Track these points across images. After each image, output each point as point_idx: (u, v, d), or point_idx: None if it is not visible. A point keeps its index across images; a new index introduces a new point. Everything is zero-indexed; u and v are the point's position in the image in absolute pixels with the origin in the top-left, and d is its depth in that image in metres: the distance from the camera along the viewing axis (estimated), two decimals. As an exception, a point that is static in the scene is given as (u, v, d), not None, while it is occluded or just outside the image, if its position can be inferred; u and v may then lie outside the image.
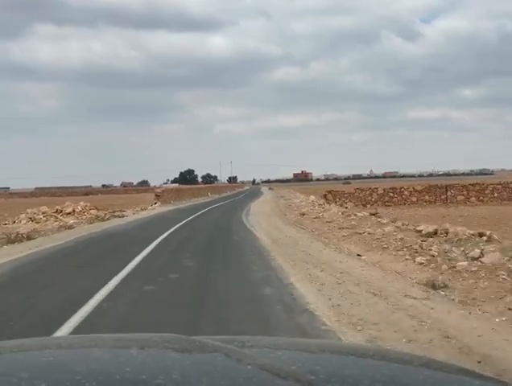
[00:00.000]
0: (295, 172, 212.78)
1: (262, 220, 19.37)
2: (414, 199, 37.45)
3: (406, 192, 38.61)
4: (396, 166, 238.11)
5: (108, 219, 21.04)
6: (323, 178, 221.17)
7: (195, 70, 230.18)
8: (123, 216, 22.54)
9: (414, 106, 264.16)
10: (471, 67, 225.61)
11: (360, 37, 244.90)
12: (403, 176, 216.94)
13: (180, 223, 18.55)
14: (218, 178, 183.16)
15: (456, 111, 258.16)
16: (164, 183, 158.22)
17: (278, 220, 19.95)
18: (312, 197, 36.61)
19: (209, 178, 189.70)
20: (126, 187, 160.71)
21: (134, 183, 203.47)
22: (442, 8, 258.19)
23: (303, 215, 21.52)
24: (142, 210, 28.06)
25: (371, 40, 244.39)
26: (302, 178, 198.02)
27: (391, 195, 38.69)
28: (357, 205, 36.95)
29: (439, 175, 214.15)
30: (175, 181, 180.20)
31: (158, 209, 29.32)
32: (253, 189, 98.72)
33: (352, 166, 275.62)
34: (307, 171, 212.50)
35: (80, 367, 1.10)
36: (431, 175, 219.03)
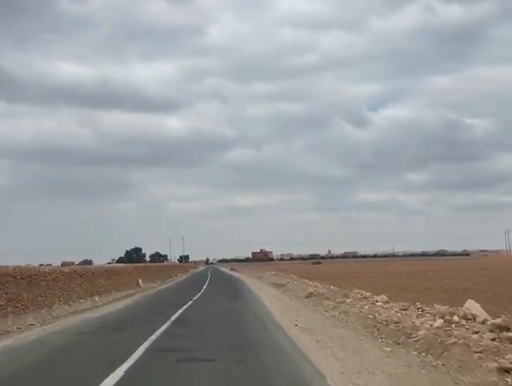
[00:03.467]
0: (254, 251, 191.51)
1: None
2: None
3: None
4: (353, 246, 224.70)
5: None
6: (280, 257, 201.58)
7: (149, 149, 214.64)
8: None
9: (365, 189, 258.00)
10: (417, 153, 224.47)
11: (311, 122, 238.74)
12: (364, 256, 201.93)
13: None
14: (168, 257, 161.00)
15: (403, 194, 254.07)
16: (108, 263, 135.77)
17: None
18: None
19: (158, 257, 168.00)
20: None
21: (76, 263, 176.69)
22: (387, 97, 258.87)
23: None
24: None
25: (322, 125, 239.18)
26: (262, 257, 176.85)
27: None
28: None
29: (402, 256, 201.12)
30: (120, 260, 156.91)
31: None
32: (213, 271, 75.41)
33: (307, 246, 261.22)
34: (267, 250, 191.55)
35: None
36: (386, 256, 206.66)
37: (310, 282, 29.75)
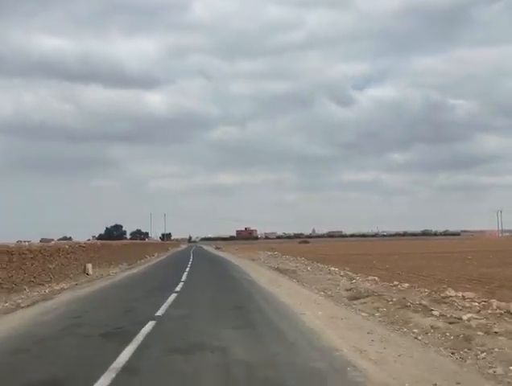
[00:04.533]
0: (239, 229, 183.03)
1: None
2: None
3: None
4: (336, 226, 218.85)
5: None
6: (264, 236, 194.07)
7: (131, 126, 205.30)
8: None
9: (349, 168, 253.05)
10: (400, 133, 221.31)
11: (296, 100, 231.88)
12: (353, 235, 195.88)
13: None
14: (150, 234, 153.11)
15: (387, 174, 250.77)
16: (88, 240, 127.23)
17: None
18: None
19: (140, 235, 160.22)
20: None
21: (55, 239, 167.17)
22: (372, 77, 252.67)
23: None
24: None
25: (307, 104, 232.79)
26: (246, 235, 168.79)
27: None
28: None
29: (386, 235, 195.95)
30: (99, 237, 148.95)
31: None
32: (197, 251, 64.63)
33: (291, 225, 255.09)
34: (251, 228, 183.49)
35: None
36: (375, 235, 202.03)
37: (333, 268, 21.46)
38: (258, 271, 21.59)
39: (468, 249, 45.46)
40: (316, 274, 19.84)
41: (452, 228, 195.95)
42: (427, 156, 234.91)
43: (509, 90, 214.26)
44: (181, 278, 16.80)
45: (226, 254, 49.43)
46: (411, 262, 28.90)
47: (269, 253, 39.81)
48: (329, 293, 13.85)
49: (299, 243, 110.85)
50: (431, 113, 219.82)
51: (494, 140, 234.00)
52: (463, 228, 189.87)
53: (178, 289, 13.47)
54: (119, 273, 20.89)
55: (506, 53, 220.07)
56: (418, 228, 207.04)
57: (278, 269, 23.72)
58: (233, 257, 39.21)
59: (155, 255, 45.21)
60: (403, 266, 25.32)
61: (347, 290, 14.10)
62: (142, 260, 34.30)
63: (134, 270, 23.44)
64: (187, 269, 21.92)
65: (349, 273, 18.72)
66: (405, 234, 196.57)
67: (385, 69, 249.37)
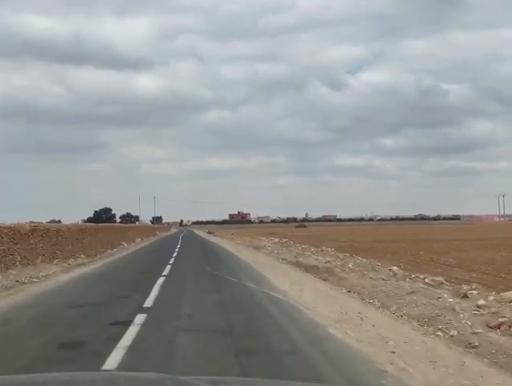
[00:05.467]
0: (231, 213, 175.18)
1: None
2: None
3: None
4: (328, 210, 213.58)
5: None
6: (257, 220, 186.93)
7: (122, 108, 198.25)
8: None
9: (341, 152, 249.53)
10: (393, 118, 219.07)
11: (289, 84, 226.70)
12: (350, 219, 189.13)
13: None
14: (140, 218, 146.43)
15: (379, 159, 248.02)
16: (77, 223, 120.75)
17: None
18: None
19: (130, 218, 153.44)
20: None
21: (44, 223, 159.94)
22: (365, 61, 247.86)
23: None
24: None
25: (300, 87, 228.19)
26: (239, 219, 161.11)
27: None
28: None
29: (384, 220, 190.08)
30: (88, 221, 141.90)
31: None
32: (187, 236, 55.65)
33: (284, 209, 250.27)
34: (245, 212, 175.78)
35: None
36: (371, 220, 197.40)
37: (395, 268, 13.63)
38: (278, 271, 13.80)
39: (501, 235, 37.87)
40: (374, 278, 12.26)
41: (443, 213, 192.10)
42: (420, 141, 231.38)
43: (503, 75, 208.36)
44: (156, 280, 9.42)
45: (221, 240, 41.29)
46: (474, 253, 21.28)
47: (275, 240, 32.02)
48: (460, 337, 6.23)
49: (296, 227, 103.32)
50: (423, 98, 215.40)
51: (487, 126, 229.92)
52: (455, 213, 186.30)
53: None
54: (59, 277, 13.00)
55: (500, 37, 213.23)
56: (410, 213, 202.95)
57: (300, 265, 16.06)
58: (231, 245, 31.23)
59: (136, 241, 37.35)
60: (476, 260, 17.75)
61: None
62: (115, 249, 26.41)
63: (91, 268, 15.56)
64: (172, 261, 14.28)
65: (436, 279, 11.12)
66: (403, 218, 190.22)
67: (378, 53, 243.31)
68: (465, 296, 9.11)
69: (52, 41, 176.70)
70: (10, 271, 11.39)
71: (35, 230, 14.41)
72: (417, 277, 11.98)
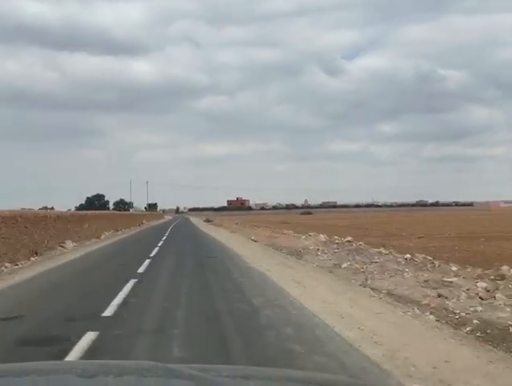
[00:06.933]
0: (230, 199, 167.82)
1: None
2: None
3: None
4: (327, 196, 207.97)
5: None
6: (256, 206, 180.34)
7: (117, 94, 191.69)
8: None
9: (339, 139, 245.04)
10: (390, 104, 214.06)
11: (285, 69, 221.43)
12: (358, 206, 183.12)
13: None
14: (134, 204, 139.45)
15: (376, 145, 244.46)
16: (68, 210, 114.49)
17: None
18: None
19: (123, 205, 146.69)
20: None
21: (35, 209, 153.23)
22: (362, 46, 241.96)
23: None
24: None
25: (296, 73, 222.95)
26: (238, 206, 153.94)
27: None
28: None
29: (381, 206, 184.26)
30: (80, 208, 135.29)
31: None
32: (180, 225, 44.84)
33: (281, 195, 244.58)
34: (244, 198, 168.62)
35: None
36: (370, 206, 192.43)
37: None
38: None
39: None
40: None
41: (442, 199, 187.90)
42: (418, 126, 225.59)
43: (501, 60, 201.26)
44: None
45: (227, 236, 26.66)
46: None
47: (322, 238, 19.97)
48: None
49: (301, 214, 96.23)
50: (421, 83, 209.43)
51: (484, 111, 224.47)
52: (453, 199, 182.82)
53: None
54: None
55: (498, 22, 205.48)
56: (409, 199, 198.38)
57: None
58: (252, 249, 17.17)
59: (101, 237, 28.41)
60: None
61: None
62: (56, 257, 18.80)
63: None
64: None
65: None
66: (406, 205, 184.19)
67: (375, 38, 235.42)
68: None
69: (45, 26, 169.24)
70: None
71: None
72: None
